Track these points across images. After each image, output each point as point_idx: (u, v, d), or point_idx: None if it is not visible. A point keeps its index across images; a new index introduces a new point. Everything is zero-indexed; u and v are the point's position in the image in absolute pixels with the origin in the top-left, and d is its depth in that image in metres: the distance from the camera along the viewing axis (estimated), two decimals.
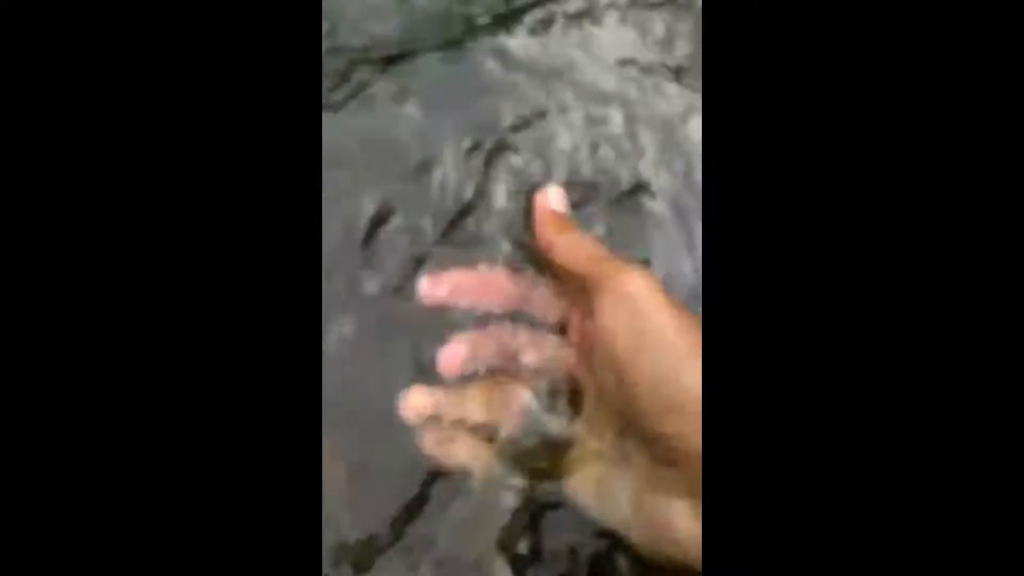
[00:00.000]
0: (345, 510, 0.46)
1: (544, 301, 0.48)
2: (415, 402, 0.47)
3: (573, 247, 0.46)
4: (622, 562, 0.45)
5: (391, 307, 0.49)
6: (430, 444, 0.46)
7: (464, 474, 0.46)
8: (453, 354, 0.47)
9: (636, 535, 0.43)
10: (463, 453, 0.46)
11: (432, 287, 0.48)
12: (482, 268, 0.49)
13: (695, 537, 0.39)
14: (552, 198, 0.49)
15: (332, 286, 0.48)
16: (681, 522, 0.40)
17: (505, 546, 0.45)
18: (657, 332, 0.40)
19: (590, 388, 0.45)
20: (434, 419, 0.47)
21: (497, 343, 0.47)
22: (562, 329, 0.47)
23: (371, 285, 0.50)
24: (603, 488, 0.44)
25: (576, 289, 0.45)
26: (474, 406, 0.47)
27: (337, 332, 0.48)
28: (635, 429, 0.42)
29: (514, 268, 0.49)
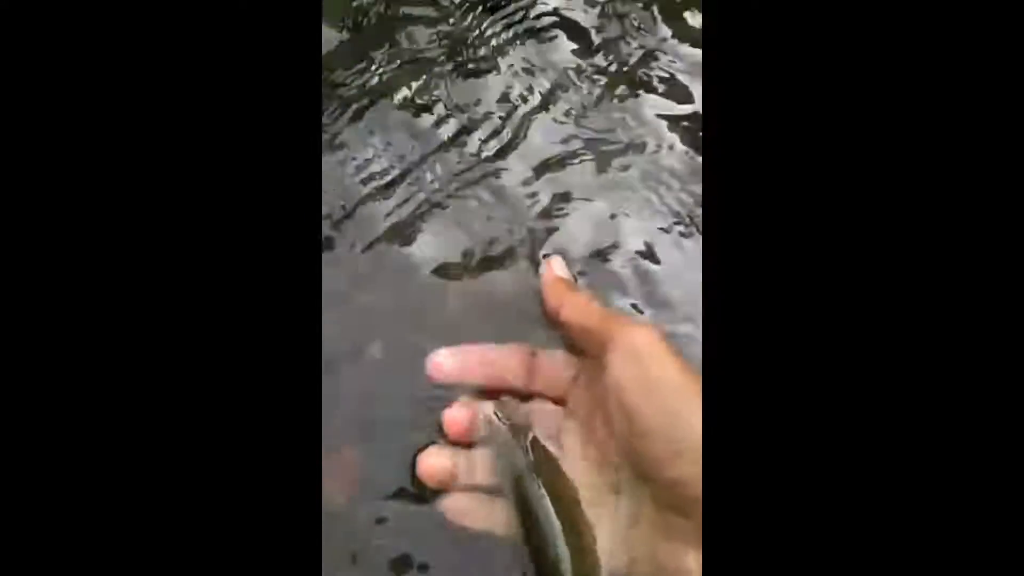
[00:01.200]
0: None
1: (548, 377, 0.49)
2: (431, 464, 0.48)
3: (580, 307, 0.48)
4: None
5: None
6: (452, 514, 0.47)
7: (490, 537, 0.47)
8: (455, 419, 0.48)
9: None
10: (481, 520, 0.47)
11: (440, 367, 0.50)
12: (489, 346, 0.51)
13: None
14: (556, 266, 0.52)
15: None
16: (699, 570, 0.40)
17: None
18: (664, 380, 0.42)
19: (602, 444, 0.46)
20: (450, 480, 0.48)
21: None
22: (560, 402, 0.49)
23: None
24: (616, 543, 0.45)
25: (585, 347, 0.47)
26: (485, 468, 0.48)
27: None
28: (647, 477, 0.43)
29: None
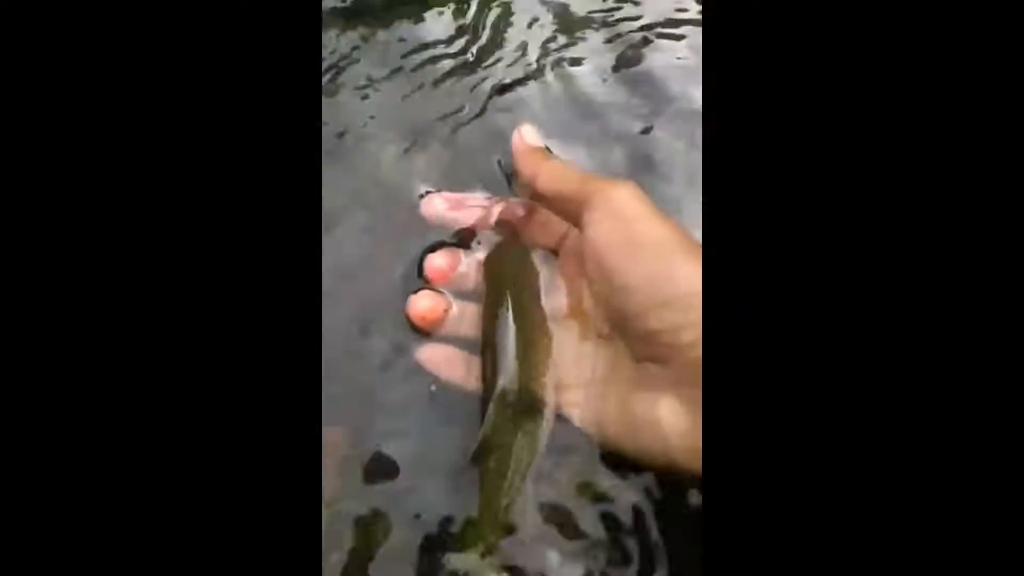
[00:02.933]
0: None
1: (544, 224, 0.51)
2: (422, 305, 0.50)
3: (557, 172, 0.48)
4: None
5: None
6: (430, 364, 0.49)
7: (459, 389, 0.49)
8: (438, 265, 0.51)
9: (624, 438, 0.45)
10: (457, 372, 0.49)
11: (433, 203, 0.52)
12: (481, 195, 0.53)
13: (679, 430, 0.41)
14: (527, 134, 0.51)
15: None
16: (668, 416, 0.42)
17: None
18: (646, 235, 0.43)
19: (582, 299, 0.48)
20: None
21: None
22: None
23: None
24: (592, 400, 0.47)
25: (565, 215, 0.48)
26: (472, 324, 0.50)
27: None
28: (625, 332, 0.44)
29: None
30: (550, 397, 0.47)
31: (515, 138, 0.51)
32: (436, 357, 0.50)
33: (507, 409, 0.46)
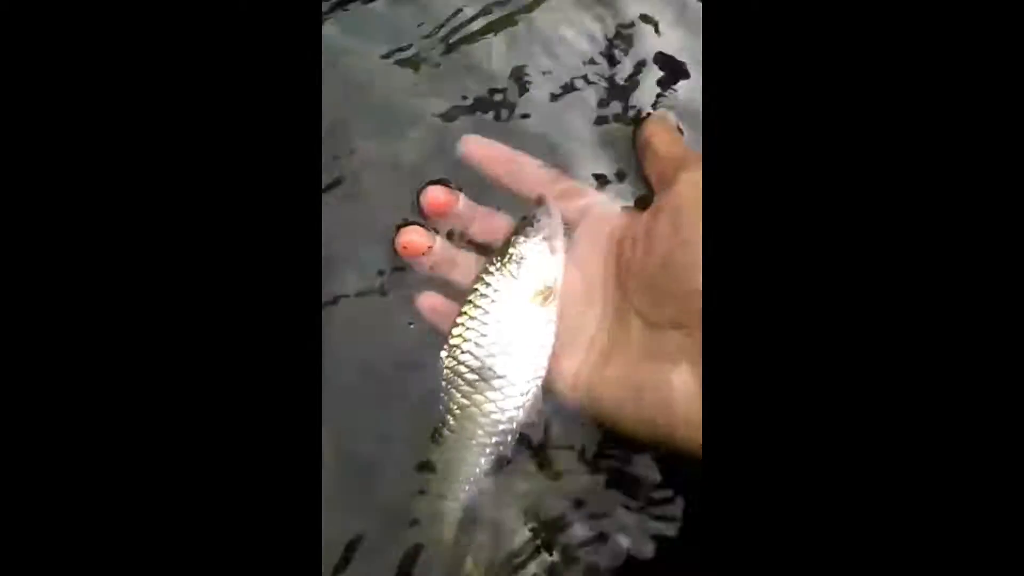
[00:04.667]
0: None
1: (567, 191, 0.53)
2: (411, 237, 0.51)
3: (673, 137, 0.53)
4: None
5: None
6: (426, 310, 0.51)
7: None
8: (434, 197, 0.52)
9: (624, 406, 0.46)
10: (446, 322, 0.50)
11: (473, 145, 0.54)
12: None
13: (688, 399, 0.42)
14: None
15: None
16: (680, 384, 0.43)
17: None
18: None
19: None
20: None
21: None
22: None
23: None
24: (588, 367, 0.48)
25: (659, 172, 0.51)
26: (465, 272, 0.51)
27: None
28: (663, 291, 0.45)
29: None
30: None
31: (655, 115, 0.56)
32: (430, 303, 0.51)
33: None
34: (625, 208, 0.53)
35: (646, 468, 0.49)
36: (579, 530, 0.49)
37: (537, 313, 0.49)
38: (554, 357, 0.49)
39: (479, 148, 0.54)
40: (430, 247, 0.52)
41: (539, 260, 0.50)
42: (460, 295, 0.51)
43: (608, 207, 0.53)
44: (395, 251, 0.53)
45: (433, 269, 0.52)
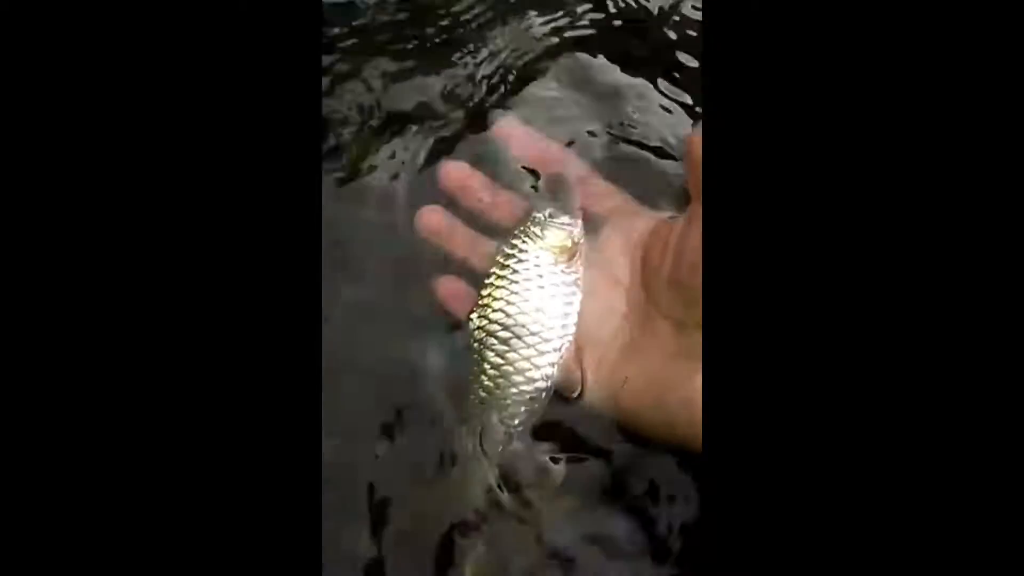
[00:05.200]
0: None
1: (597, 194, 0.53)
2: (429, 218, 0.53)
3: None
4: None
5: None
6: (443, 293, 0.52)
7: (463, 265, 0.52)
8: (452, 167, 0.54)
9: (645, 405, 0.47)
10: (463, 306, 0.51)
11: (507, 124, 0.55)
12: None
13: None
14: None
15: None
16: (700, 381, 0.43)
17: None
18: None
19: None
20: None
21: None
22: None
23: None
24: (609, 364, 0.49)
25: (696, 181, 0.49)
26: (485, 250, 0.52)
27: None
28: (691, 294, 0.45)
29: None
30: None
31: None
32: (448, 288, 0.52)
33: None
34: (651, 214, 0.53)
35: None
36: None
37: (564, 271, 0.51)
38: (575, 354, 0.50)
39: (512, 128, 0.55)
40: (449, 227, 0.53)
41: (561, 220, 0.51)
42: (479, 280, 0.52)
43: (635, 210, 0.54)
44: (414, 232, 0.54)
45: (452, 252, 0.53)
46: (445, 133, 0.61)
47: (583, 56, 0.64)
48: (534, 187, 0.54)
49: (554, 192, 0.52)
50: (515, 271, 0.51)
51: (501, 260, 0.51)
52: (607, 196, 0.54)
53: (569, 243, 0.51)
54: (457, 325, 0.52)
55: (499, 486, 0.49)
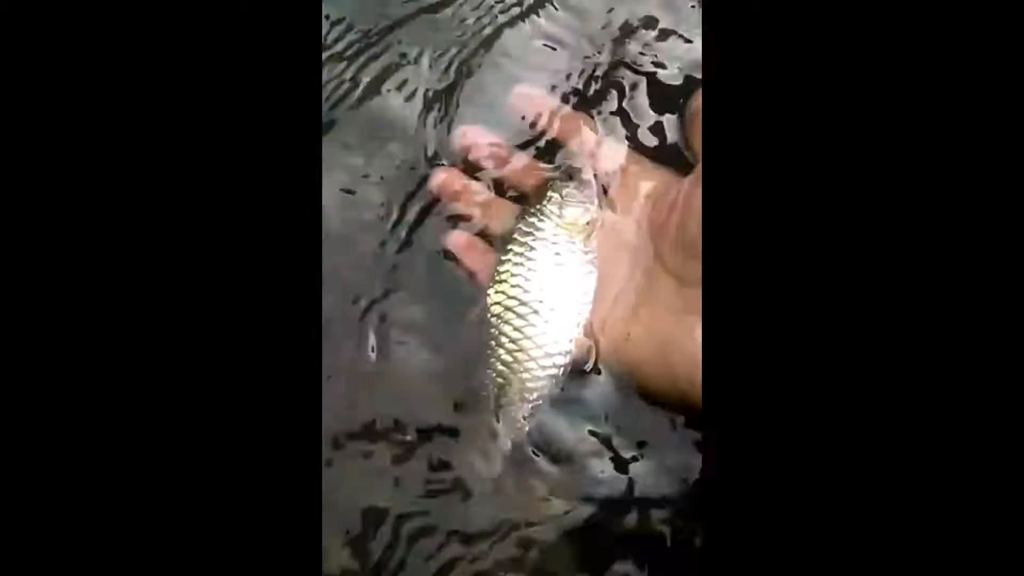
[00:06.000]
0: None
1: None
2: (443, 177, 0.53)
3: None
4: None
5: None
6: (453, 246, 0.53)
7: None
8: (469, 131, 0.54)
9: (649, 361, 0.48)
10: (476, 262, 0.52)
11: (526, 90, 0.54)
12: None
13: None
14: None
15: None
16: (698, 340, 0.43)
17: None
18: None
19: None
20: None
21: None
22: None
23: None
24: (615, 322, 0.49)
25: None
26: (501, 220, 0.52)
27: None
28: (698, 251, 0.45)
29: None
30: None
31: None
32: (460, 241, 0.53)
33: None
34: (659, 171, 0.53)
35: None
36: None
37: (581, 248, 0.51)
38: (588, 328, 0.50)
39: (531, 93, 0.54)
40: (464, 186, 0.53)
41: (579, 197, 0.51)
42: (493, 240, 0.52)
43: (644, 169, 0.53)
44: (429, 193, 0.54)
45: (467, 213, 0.54)
46: None
47: None
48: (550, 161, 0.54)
49: (572, 174, 0.52)
50: (532, 248, 0.51)
51: (518, 237, 0.51)
52: (615, 156, 0.53)
53: (586, 220, 0.51)
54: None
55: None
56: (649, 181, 0.52)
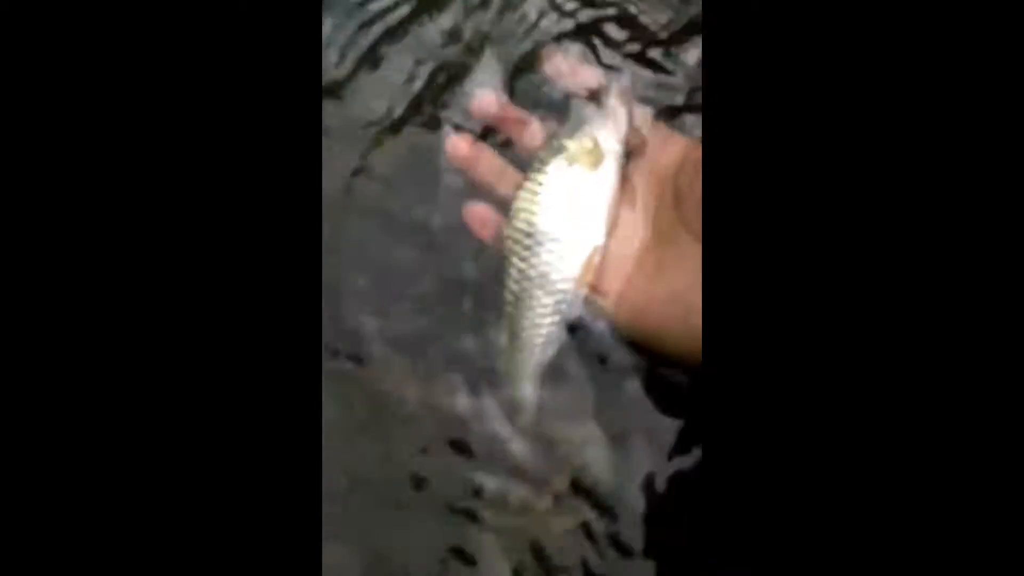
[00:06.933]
0: None
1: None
2: (457, 145, 0.54)
3: None
4: None
5: None
6: (471, 218, 0.53)
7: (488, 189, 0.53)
8: (482, 94, 0.54)
9: (654, 314, 0.49)
10: (493, 232, 0.53)
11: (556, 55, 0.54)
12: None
13: None
14: None
15: None
16: None
17: None
18: None
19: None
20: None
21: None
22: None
23: None
24: (645, 288, 0.50)
25: None
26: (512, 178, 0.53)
27: None
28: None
29: None
30: None
31: None
32: (477, 213, 0.53)
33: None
34: (681, 138, 0.52)
35: None
36: None
37: (588, 177, 0.51)
38: (600, 277, 0.51)
39: (562, 59, 0.54)
40: (478, 152, 0.54)
41: (591, 124, 0.51)
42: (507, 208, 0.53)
43: (666, 135, 0.52)
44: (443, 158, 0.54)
45: (481, 179, 0.54)
46: None
47: None
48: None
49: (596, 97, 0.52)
50: (539, 182, 0.51)
51: (529, 173, 0.52)
52: (641, 124, 0.53)
53: (591, 146, 0.51)
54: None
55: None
56: (674, 146, 0.52)
